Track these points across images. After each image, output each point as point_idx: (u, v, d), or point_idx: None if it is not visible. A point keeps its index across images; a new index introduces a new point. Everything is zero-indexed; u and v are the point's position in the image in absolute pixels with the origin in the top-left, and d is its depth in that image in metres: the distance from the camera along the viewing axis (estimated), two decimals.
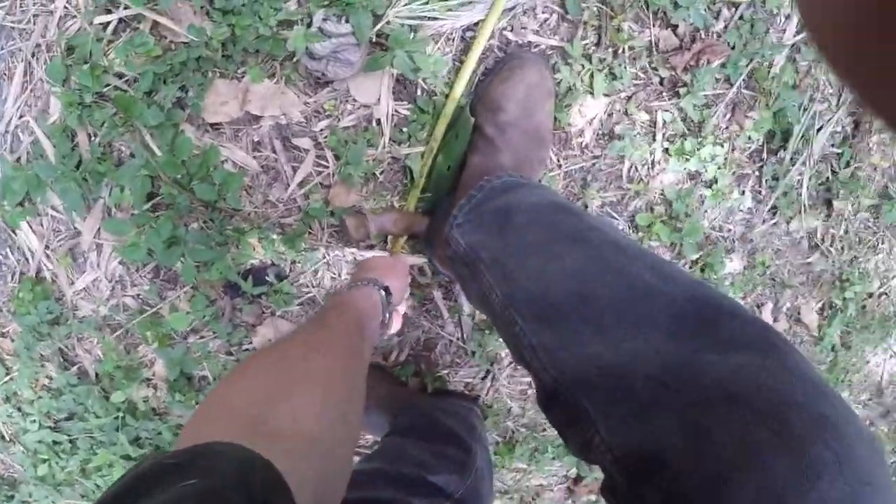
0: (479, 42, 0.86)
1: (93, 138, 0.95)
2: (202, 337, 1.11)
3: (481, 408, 1.19)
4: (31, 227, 1.03)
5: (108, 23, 0.87)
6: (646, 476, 0.46)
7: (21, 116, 0.95)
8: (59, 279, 1.07)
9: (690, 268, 1.15)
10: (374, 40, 0.86)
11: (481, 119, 0.87)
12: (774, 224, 1.16)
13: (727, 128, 1.05)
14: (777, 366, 0.44)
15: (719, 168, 1.04)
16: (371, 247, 0.99)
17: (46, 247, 1.04)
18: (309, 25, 0.83)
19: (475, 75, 0.90)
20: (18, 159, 0.96)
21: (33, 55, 0.90)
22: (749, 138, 1.04)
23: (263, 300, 1.06)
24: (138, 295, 1.08)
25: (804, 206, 1.13)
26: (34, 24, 0.89)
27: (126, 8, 0.88)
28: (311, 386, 0.44)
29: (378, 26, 0.83)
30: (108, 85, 0.90)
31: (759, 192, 1.12)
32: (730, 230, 1.15)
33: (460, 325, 1.12)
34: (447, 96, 0.89)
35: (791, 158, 1.07)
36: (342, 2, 0.81)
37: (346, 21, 0.82)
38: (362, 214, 0.91)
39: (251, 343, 1.11)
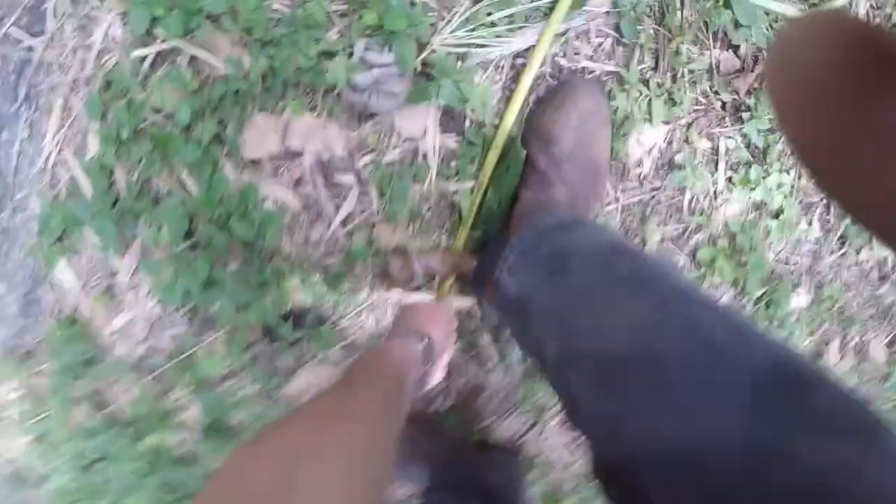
0: (530, 69, 0.79)
1: (130, 175, 0.91)
2: (239, 381, 1.04)
3: (526, 460, 1.09)
4: (68, 265, 0.98)
5: (146, 57, 0.83)
6: None
7: (59, 152, 0.91)
8: (96, 319, 1.03)
9: (755, 304, 1.05)
10: (418, 70, 0.80)
11: (533, 151, 0.80)
12: (843, 255, 1.05)
13: (790, 155, 0.95)
14: (879, 455, 0.38)
15: (786, 197, 0.95)
16: (417, 288, 0.92)
17: (84, 285, 0.99)
18: (350, 56, 0.77)
19: (526, 105, 0.82)
20: (57, 196, 0.92)
21: (71, 90, 0.86)
22: None
23: (303, 344, 0.99)
24: (175, 336, 1.03)
25: (874, 237, 1.02)
26: (73, 58, 0.85)
27: (163, 41, 0.83)
28: (333, 464, 0.37)
29: (423, 55, 0.77)
30: (145, 120, 0.86)
31: (828, 221, 1.02)
32: (796, 263, 1.04)
33: (508, 372, 1.03)
34: (497, 128, 0.82)
35: None
36: (385, 30, 0.75)
37: (390, 50, 0.76)
38: (407, 254, 0.84)
39: (289, 389, 1.04)
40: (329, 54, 0.81)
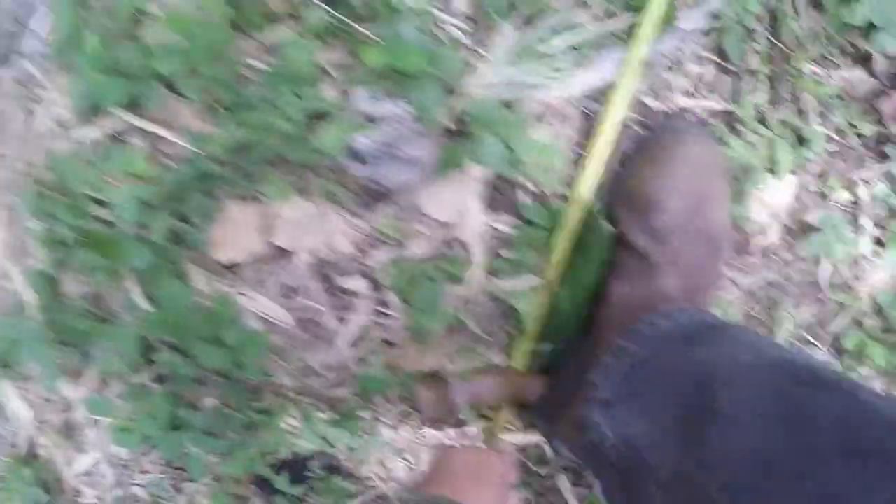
0: (610, 114, 0.55)
1: (78, 288, 0.68)
2: None
3: None
4: (19, 395, 0.76)
5: (92, 139, 0.61)
6: None
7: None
8: (56, 459, 0.79)
9: None
10: (448, 127, 0.56)
11: (626, 226, 0.54)
12: None
13: None
14: None
15: None
16: (460, 423, 0.65)
17: (37, 419, 0.76)
18: (341, 111, 0.54)
19: (608, 165, 0.57)
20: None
21: (9, 187, 0.64)
22: None
23: (311, 498, 0.72)
24: (149, 484, 0.77)
25: None
26: (18, 146, 0.63)
27: (111, 118, 0.61)
28: None
29: (456, 104, 0.53)
30: (94, 217, 0.63)
31: None
32: None
33: None
34: (567, 200, 0.56)
35: None
36: (395, 73, 0.52)
37: (402, 99, 0.52)
38: (443, 381, 0.58)
39: None
40: (321, 116, 0.58)
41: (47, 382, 0.72)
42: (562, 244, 0.56)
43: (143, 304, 0.63)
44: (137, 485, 0.78)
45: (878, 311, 0.71)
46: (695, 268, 0.53)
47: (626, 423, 0.45)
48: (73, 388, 0.74)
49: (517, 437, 0.66)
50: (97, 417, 0.75)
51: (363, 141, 0.53)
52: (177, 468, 0.76)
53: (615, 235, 0.54)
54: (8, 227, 0.70)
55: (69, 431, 0.77)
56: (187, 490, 0.76)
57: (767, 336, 0.57)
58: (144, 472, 0.77)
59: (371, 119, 0.53)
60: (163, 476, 0.75)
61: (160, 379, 0.69)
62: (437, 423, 0.60)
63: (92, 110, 0.62)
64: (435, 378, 0.58)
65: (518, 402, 0.59)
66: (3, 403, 0.77)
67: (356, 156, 0.56)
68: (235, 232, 0.63)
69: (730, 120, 0.59)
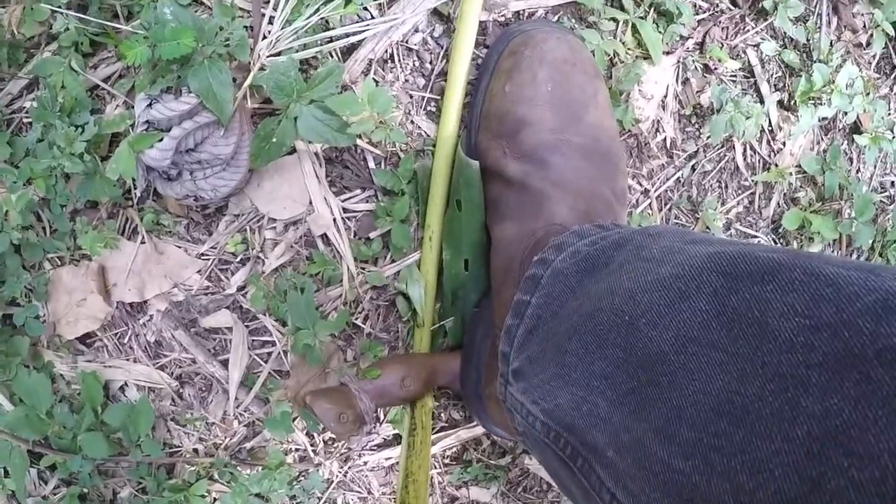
0: (457, 43, 0.42)
1: None
2: None
3: None
4: None
5: None
6: None
7: None
8: None
9: (868, 259, 0.65)
10: (255, 109, 0.43)
11: (494, 156, 0.42)
12: None
13: (838, 39, 0.58)
14: None
15: (864, 98, 0.57)
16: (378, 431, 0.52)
17: None
18: (133, 126, 0.41)
19: (465, 98, 0.45)
20: None
21: None
22: (869, 44, 0.57)
23: None
24: None
25: None
26: None
27: None
28: None
29: (249, 79, 0.40)
30: None
31: None
32: (893, 183, 0.66)
33: None
34: (420, 152, 0.44)
35: None
36: (170, 64, 0.39)
37: (188, 91, 0.39)
38: (343, 389, 0.45)
39: None
40: (116, 139, 0.45)
41: None
42: (436, 201, 0.43)
43: (9, 407, 0.49)
44: None
45: (810, 180, 0.60)
46: (585, 186, 0.41)
47: (545, 393, 0.33)
48: None
49: (460, 433, 0.53)
50: None
51: (155, 155, 0.40)
52: None
53: (486, 171, 0.42)
54: None
55: None
56: None
57: (679, 229, 0.44)
58: None
59: (157, 126, 0.41)
60: None
61: (68, 483, 0.56)
62: (349, 437, 0.47)
63: None
64: (331, 392, 0.45)
65: (436, 386, 0.47)
66: None
67: (164, 175, 0.43)
68: (74, 302, 0.50)
69: (578, 13, 0.47)
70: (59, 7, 0.44)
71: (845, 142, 0.61)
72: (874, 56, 0.62)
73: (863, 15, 0.60)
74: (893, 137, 0.63)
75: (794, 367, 0.20)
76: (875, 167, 0.65)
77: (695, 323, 0.24)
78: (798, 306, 0.21)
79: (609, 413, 0.27)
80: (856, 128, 0.61)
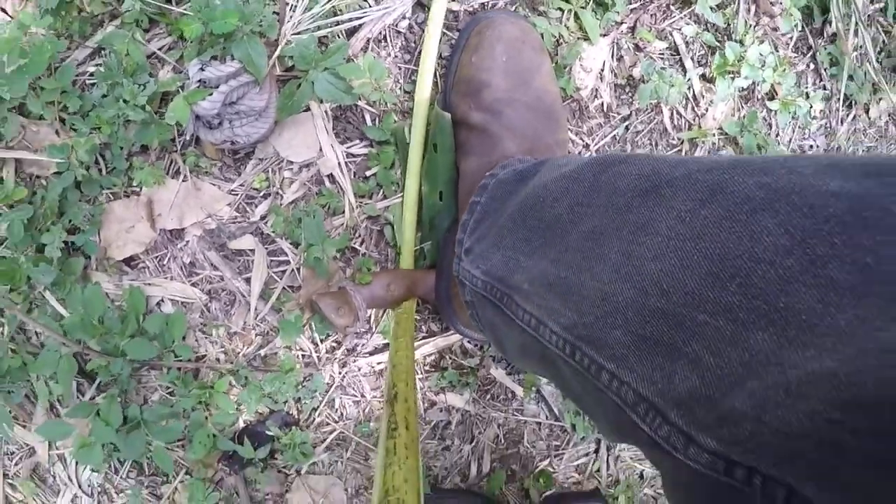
0: (430, 26, 0.61)
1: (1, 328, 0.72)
2: None
3: (606, 496, 0.87)
4: None
5: None
6: None
7: None
8: None
9: None
10: (280, 75, 0.62)
11: (462, 110, 0.61)
12: (854, 118, 0.89)
13: (757, 23, 0.78)
14: None
15: (775, 70, 0.77)
16: (368, 331, 0.72)
17: (5, 475, 0.81)
18: (182, 87, 0.60)
19: (437, 68, 0.64)
20: None
21: None
22: (789, 24, 0.78)
23: (279, 459, 0.78)
24: (129, 503, 0.82)
25: (875, 83, 0.85)
26: None
27: None
28: None
29: (277, 51, 0.60)
30: None
31: (824, 87, 0.85)
32: (812, 146, 0.87)
33: (543, 399, 0.83)
34: (405, 113, 0.63)
35: (843, 30, 0.80)
36: (217, 38, 0.58)
37: (232, 58, 0.58)
38: (342, 291, 0.64)
39: None
40: (167, 97, 0.64)
41: (3, 430, 0.76)
42: (416, 147, 0.63)
43: (62, 310, 0.68)
44: None
45: (732, 140, 0.80)
46: (530, 132, 0.60)
47: (484, 258, 0.51)
48: (27, 432, 0.79)
49: (437, 341, 0.73)
50: (60, 452, 0.80)
51: (206, 105, 0.59)
52: (150, 475, 0.81)
53: (455, 120, 0.62)
54: None
55: (39, 476, 0.82)
56: (165, 493, 0.82)
57: (581, 155, 0.64)
58: (121, 490, 0.82)
59: (208, 84, 0.59)
60: (138, 486, 0.81)
61: (102, 389, 0.75)
62: (347, 328, 0.66)
63: None
64: (332, 292, 0.65)
65: (416, 297, 0.66)
66: None
67: (207, 124, 0.62)
68: (124, 229, 0.68)
69: (531, 3, 0.67)
70: None
71: (764, 109, 0.82)
72: (791, 38, 0.83)
73: (780, 3, 0.81)
74: (811, 106, 0.84)
75: (627, 202, 0.39)
76: (793, 131, 0.86)
77: (579, 194, 0.43)
78: (634, 171, 0.40)
79: (525, 261, 0.46)
80: (773, 97, 0.82)
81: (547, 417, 0.82)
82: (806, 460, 0.24)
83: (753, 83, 0.77)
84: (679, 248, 0.32)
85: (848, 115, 0.88)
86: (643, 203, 0.36)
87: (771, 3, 0.79)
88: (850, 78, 0.86)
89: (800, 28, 0.82)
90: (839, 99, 0.86)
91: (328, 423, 0.77)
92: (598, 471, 0.87)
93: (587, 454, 0.87)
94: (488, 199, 0.53)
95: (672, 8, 0.72)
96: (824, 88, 0.85)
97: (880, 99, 0.89)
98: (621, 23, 0.70)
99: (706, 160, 0.35)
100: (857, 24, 0.84)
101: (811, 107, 0.83)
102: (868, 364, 0.22)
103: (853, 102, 0.88)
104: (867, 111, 0.90)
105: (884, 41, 0.90)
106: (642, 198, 0.37)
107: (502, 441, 0.82)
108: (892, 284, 0.23)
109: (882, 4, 0.88)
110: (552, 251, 0.43)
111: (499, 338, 0.53)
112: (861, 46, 0.85)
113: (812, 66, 0.84)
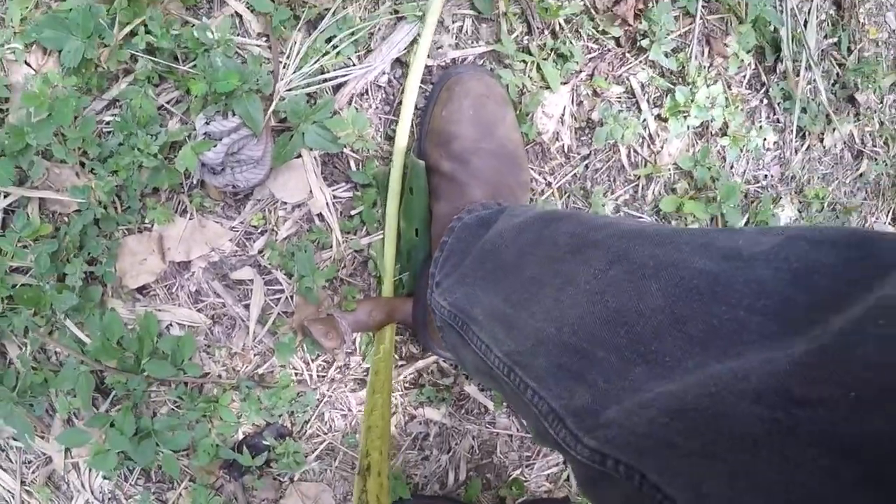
0: (408, 82, 0.72)
1: (22, 349, 0.82)
2: None
3: None
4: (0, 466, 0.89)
5: None
6: None
7: None
8: None
9: None
10: (274, 127, 0.73)
11: (434, 158, 0.72)
12: (808, 148, 0.99)
13: (711, 65, 0.89)
14: None
15: (724, 109, 0.88)
16: (353, 353, 0.82)
17: (23, 482, 0.90)
18: (189, 137, 0.71)
19: (414, 119, 0.75)
20: None
21: None
22: (740, 64, 0.88)
23: (274, 468, 0.89)
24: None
25: (829, 114, 0.96)
26: None
27: (6, 196, 0.77)
28: None
29: (272, 106, 0.70)
30: (14, 285, 0.78)
31: (777, 121, 0.96)
32: (766, 176, 0.97)
33: (513, 413, 0.93)
34: (385, 159, 0.74)
35: (793, 67, 0.91)
36: (219, 95, 0.69)
37: (233, 114, 0.69)
38: (330, 317, 0.75)
39: None
40: (176, 146, 0.74)
41: (25, 439, 0.87)
42: (394, 189, 0.73)
43: (86, 340, 0.79)
44: None
45: (687, 174, 0.91)
46: (494, 177, 0.70)
47: (450, 291, 0.61)
48: (45, 442, 0.89)
49: (417, 364, 0.84)
50: (75, 460, 0.91)
51: (211, 156, 0.70)
52: (157, 482, 0.92)
53: (428, 167, 0.72)
54: None
55: (54, 483, 0.92)
56: (170, 498, 0.92)
57: (539, 205, 0.75)
58: (130, 496, 0.93)
59: (213, 136, 0.70)
60: (146, 492, 0.91)
61: (115, 403, 0.85)
62: (334, 349, 0.77)
63: None
64: (321, 318, 0.75)
65: (395, 322, 0.77)
66: None
67: (212, 170, 0.73)
68: (138, 261, 0.79)
69: (497, 57, 0.77)
70: (139, 52, 0.73)
71: (717, 144, 0.92)
72: (744, 76, 0.93)
73: (735, 43, 0.91)
74: (764, 139, 0.95)
75: (561, 256, 0.49)
76: (747, 163, 0.96)
77: (526, 244, 0.54)
78: (568, 230, 0.51)
79: (482, 296, 0.56)
80: (725, 133, 0.92)
81: (518, 430, 0.92)
82: (651, 454, 0.34)
83: (705, 122, 0.88)
84: (589, 299, 0.42)
85: (802, 146, 0.99)
86: (572, 259, 0.47)
87: (724, 44, 0.89)
88: (804, 111, 0.96)
89: (753, 66, 0.92)
90: (793, 131, 0.96)
91: (319, 435, 0.88)
92: (568, 479, 0.97)
93: (557, 464, 0.97)
94: (455, 239, 0.64)
95: (628, 55, 0.83)
96: (778, 122, 0.96)
97: (834, 129, 1.00)
98: (580, 71, 0.81)
99: (623, 225, 0.46)
100: (808, 60, 0.94)
101: (764, 139, 0.94)
102: (691, 385, 0.33)
103: (807, 133, 0.98)
104: (822, 140, 1.01)
105: (838, 73, 1.01)
106: (572, 254, 0.48)
107: (477, 451, 0.92)
108: (728, 338, 0.34)
109: (835, 39, 0.99)
110: (502, 290, 0.53)
111: (460, 358, 0.63)
112: (813, 81, 0.96)
113: (766, 101, 0.94)
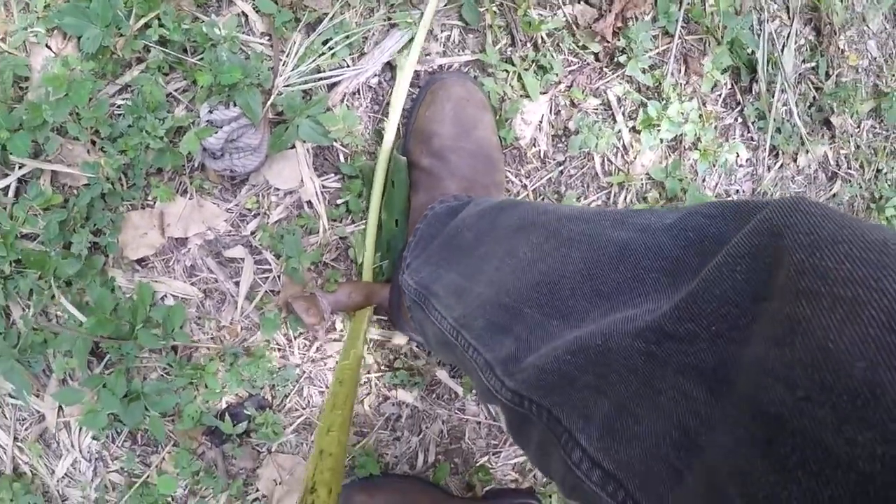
0: (398, 84, 0.81)
1: (25, 310, 0.91)
2: (202, 497, 1.02)
3: (539, 494, 1.06)
4: None
5: (7, 187, 0.85)
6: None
7: None
8: (39, 470, 1.01)
9: None
10: (272, 119, 0.82)
11: (415, 154, 0.80)
12: (781, 167, 1.06)
13: (687, 82, 0.97)
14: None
15: (696, 124, 0.96)
16: (332, 329, 0.91)
17: (15, 438, 0.98)
18: (193, 123, 0.80)
19: (401, 118, 0.84)
20: None
21: None
22: (715, 85, 0.97)
23: (253, 438, 0.98)
24: (122, 468, 1.02)
25: (803, 136, 1.04)
26: None
27: (21, 167, 0.86)
28: None
29: (270, 100, 0.80)
30: (22, 250, 0.87)
31: (751, 139, 1.03)
32: (738, 192, 1.05)
33: (481, 402, 1.02)
34: (371, 154, 0.83)
35: (768, 89, 0.99)
36: (223, 87, 0.78)
37: (234, 105, 0.78)
38: (312, 295, 0.84)
39: (257, 490, 1.02)
40: (181, 131, 0.84)
41: (21, 395, 0.96)
42: (378, 183, 0.82)
43: (86, 305, 0.88)
44: (113, 471, 1.02)
45: (659, 185, 0.99)
46: (469, 175, 0.79)
47: (418, 271, 0.69)
48: (40, 401, 0.98)
49: (392, 341, 0.93)
50: (66, 420, 1.00)
51: (212, 141, 0.79)
52: (142, 445, 1.01)
53: (410, 162, 0.81)
54: None
55: (45, 441, 1.01)
56: (154, 462, 1.01)
57: (502, 197, 0.83)
58: (116, 457, 1.02)
59: (215, 124, 0.79)
60: (131, 454, 1.00)
61: (108, 366, 0.94)
62: (314, 326, 0.86)
63: (3, 164, 0.87)
64: (305, 296, 0.85)
65: (372, 304, 0.85)
66: None
67: (212, 155, 0.82)
68: (139, 235, 0.88)
69: (482, 66, 0.86)
70: (152, 43, 0.83)
71: (690, 158, 1.01)
72: (720, 95, 1.02)
73: (711, 63, 1.00)
74: (737, 155, 1.03)
75: (507, 235, 0.58)
76: (720, 177, 1.04)
77: (482, 228, 0.62)
78: (517, 214, 0.59)
79: (443, 274, 0.64)
80: (697, 147, 1.01)
81: (486, 418, 1.00)
82: (555, 390, 0.42)
83: (678, 135, 0.96)
84: (524, 267, 0.51)
85: (775, 164, 1.07)
86: (514, 236, 0.56)
87: (701, 63, 0.98)
88: (778, 130, 1.05)
89: (728, 86, 1.01)
90: (766, 149, 1.05)
91: (297, 409, 0.96)
92: (532, 471, 1.05)
93: (522, 454, 1.06)
94: (426, 226, 0.73)
95: (606, 70, 0.92)
96: (752, 140, 1.04)
97: (807, 150, 1.08)
98: (559, 82, 0.89)
99: (563, 210, 0.55)
100: (783, 82, 1.03)
101: (737, 155, 1.02)
102: (592, 330, 0.41)
103: (781, 152, 1.06)
104: (795, 160, 1.09)
105: (814, 97, 1.09)
106: (515, 232, 0.56)
107: (446, 436, 1.01)
108: (629, 292, 0.42)
109: (814, 64, 1.07)
110: (459, 267, 0.62)
111: (424, 332, 0.72)
112: (787, 103, 1.04)
113: (740, 119, 1.03)
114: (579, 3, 0.87)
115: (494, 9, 0.83)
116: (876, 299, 0.23)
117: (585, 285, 0.44)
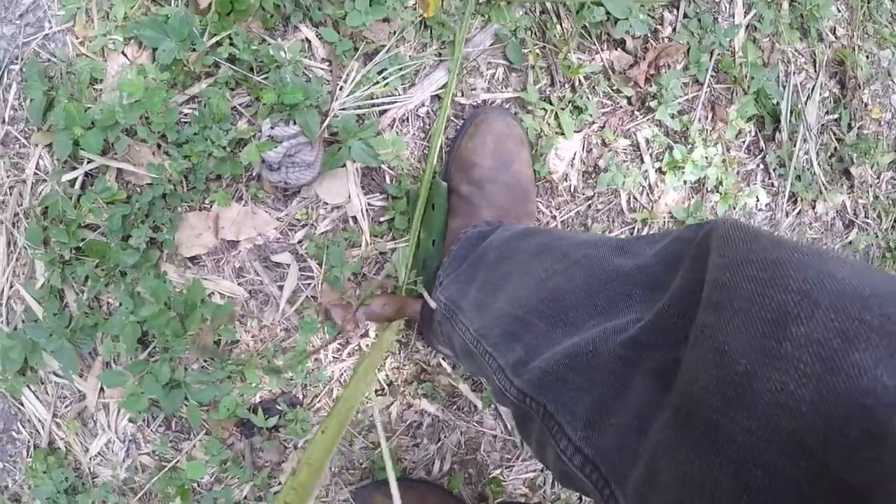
0: (440, 114, 0.91)
1: (80, 295, 1.00)
2: (226, 486, 1.10)
3: None
4: (36, 397, 1.06)
5: (75, 179, 0.95)
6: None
7: (11, 286, 1.01)
8: (73, 447, 1.08)
9: None
10: (326, 138, 0.92)
11: (455, 181, 0.89)
12: (799, 213, 1.14)
13: (713, 128, 1.06)
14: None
15: (719, 168, 1.04)
16: (365, 335, 1.00)
17: (55, 415, 1.06)
18: (255, 136, 0.89)
19: (443, 147, 0.94)
20: (15, 329, 1.01)
21: (13, 224, 0.98)
22: (740, 132, 1.05)
23: (282, 433, 1.07)
24: (154, 451, 1.10)
25: (822, 184, 1.11)
26: (10, 194, 0.97)
27: (90, 162, 0.96)
28: None
29: (327, 121, 0.89)
30: (83, 239, 0.95)
31: (772, 185, 1.11)
32: None
33: (499, 416, 1.10)
34: (416, 177, 0.93)
35: (790, 138, 1.07)
36: (285, 106, 0.88)
37: (294, 123, 0.88)
38: (349, 304, 0.93)
39: (280, 483, 1.11)
40: (242, 142, 0.93)
41: (66, 373, 1.05)
42: (420, 205, 0.91)
43: (139, 295, 0.97)
44: (144, 454, 1.11)
45: (679, 223, 1.07)
46: (504, 204, 0.88)
47: (448, 288, 0.78)
48: (83, 381, 1.07)
49: (417, 359, 1.01)
50: (106, 401, 1.09)
51: (272, 155, 0.89)
52: (175, 431, 1.10)
53: (449, 188, 0.91)
54: (16, 259, 1.03)
55: (83, 420, 1.10)
56: (185, 448, 1.10)
57: (529, 224, 0.92)
58: (149, 441, 1.10)
59: (276, 139, 0.89)
60: (164, 438, 1.09)
61: (152, 355, 1.04)
62: (349, 332, 0.95)
63: (73, 158, 0.97)
64: (343, 304, 0.94)
65: (403, 317, 0.94)
66: (23, 406, 1.09)
67: (270, 167, 0.91)
68: (194, 234, 0.98)
69: (522, 103, 0.95)
70: (222, 59, 0.93)
71: (712, 200, 1.09)
72: (744, 141, 1.10)
73: (736, 111, 1.08)
74: (757, 199, 1.11)
75: (527, 258, 0.66)
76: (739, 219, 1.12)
77: (507, 250, 0.70)
78: (538, 241, 0.68)
79: (469, 291, 0.72)
80: (719, 191, 1.09)
81: (502, 432, 1.09)
82: (552, 389, 0.50)
83: (701, 178, 1.05)
84: (537, 284, 0.60)
85: (794, 210, 1.15)
86: (533, 259, 0.65)
87: (727, 111, 1.07)
88: (798, 178, 1.12)
89: (753, 133, 1.09)
90: (785, 196, 1.13)
91: (325, 409, 1.05)
92: (542, 487, 1.13)
93: (535, 471, 1.14)
94: (458, 248, 0.82)
95: (637, 113, 1.00)
96: (772, 185, 1.12)
97: (826, 199, 1.16)
98: (593, 122, 0.98)
99: (577, 238, 0.64)
100: (805, 132, 1.11)
101: (757, 199, 1.10)
102: (586, 337, 0.50)
103: (800, 199, 1.14)
104: (814, 207, 1.17)
105: (836, 147, 1.17)
106: (533, 256, 0.66)
107: (463, 446, 1.09)
108: (620, 305, 0.51)
109: (836, 115, 1.15)
110: (482, 284, 0.71)
111: (452, 344, 0.81)
112: (808, 152, 1.12)
113: (762, 166, 1.11)
114: (616, 49, 0.96)
115: (537, 51, 0.93)
116: (758, 311, 0.33)
117: (585, 300, 0.53)
